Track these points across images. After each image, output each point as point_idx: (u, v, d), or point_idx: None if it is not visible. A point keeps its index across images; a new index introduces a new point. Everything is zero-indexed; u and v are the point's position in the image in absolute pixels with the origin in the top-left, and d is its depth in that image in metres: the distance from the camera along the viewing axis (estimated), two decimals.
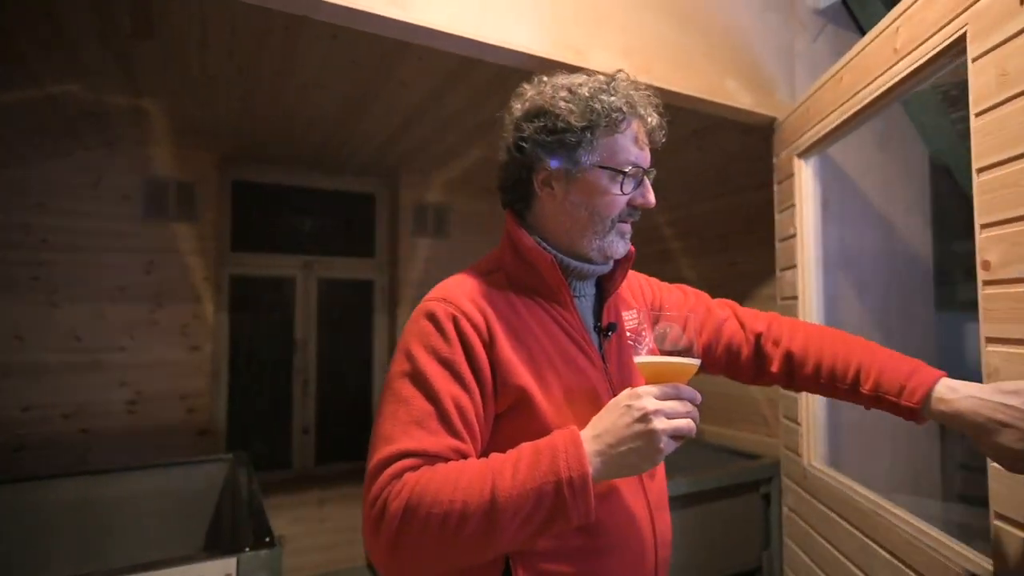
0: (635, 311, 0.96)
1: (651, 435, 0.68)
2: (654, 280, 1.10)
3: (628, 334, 0.91)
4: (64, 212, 2.87)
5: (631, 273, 1.01)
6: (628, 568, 0.83)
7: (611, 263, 0.91)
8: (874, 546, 1.38)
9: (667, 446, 0.69)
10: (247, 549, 1.52)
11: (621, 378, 0.89)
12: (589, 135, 0.83)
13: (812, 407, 1.73)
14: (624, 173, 0.84)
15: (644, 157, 0.87)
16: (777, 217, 1.86)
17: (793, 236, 1.74)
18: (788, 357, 1.01)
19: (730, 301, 1.12)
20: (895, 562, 1.30)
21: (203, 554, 1.49)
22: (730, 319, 1.07)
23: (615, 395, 0.75)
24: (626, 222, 0.88)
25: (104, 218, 2.93)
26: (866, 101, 1.38)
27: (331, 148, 3.21)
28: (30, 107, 2.38)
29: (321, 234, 3.75)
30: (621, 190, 0.85)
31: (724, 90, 1.69)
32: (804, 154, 1.70)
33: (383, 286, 3.86)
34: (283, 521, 3.25)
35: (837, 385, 0.95)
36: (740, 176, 2.78)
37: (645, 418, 0.68)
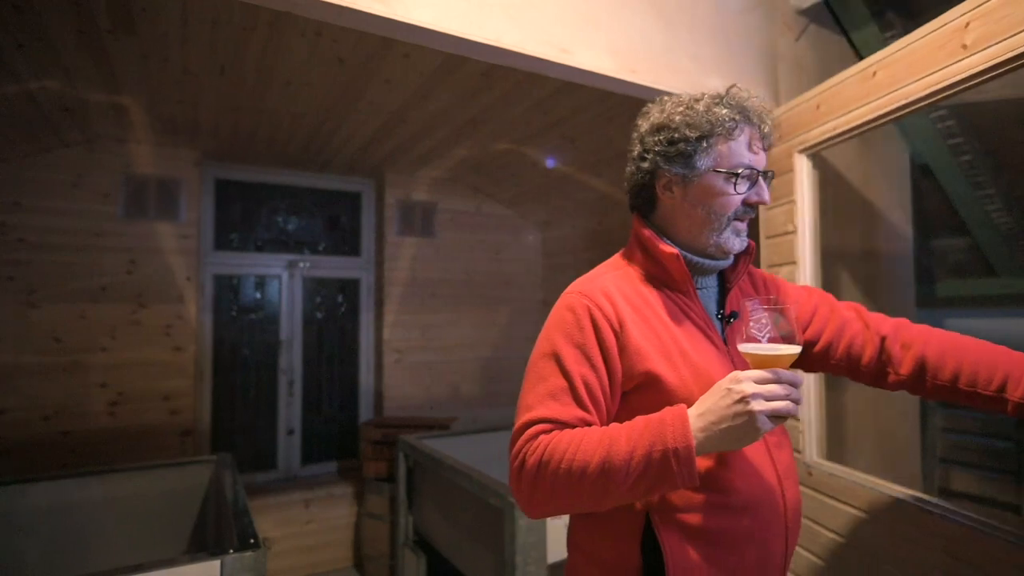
0: (756, 300, 0.99)
1: (749, 416, 0.77)
2: (780, 278, 1.16)
3: (750, 323, 0.94)
4: (42, 210, 2.82)
5: (757, 271, 1.12)
6: (761, 526, 0.91)
7: (731, 258, 1.00)
8: (903, 534, 1.41)
9: (764, 425, 0.77)
10: (231, 551, 1.50)
11: (742, 360, 0.96)
12: (704, 143, 0.93)
13: (811, 405, 1.75)
14: (737, 175, 0.93)
15: (758, 160, 0.96)
16: (766, 214, 1.87)
17: (792, 232, 1.75)
18: (921, 362, 1.03)
19: (857, 304, 1.14)
20: (943, 556, 1.32)
21: (185, 557, 1.46)
22: (854, 320, 1.10)
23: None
24: (742, 220, 0.97)
25: (83, 217, 2.88)
26: (914, 97, 1.35)
27: (316, 146, 3.18)
28: (6, 103, 2.33)
29: (306, 233, 3.72)
30: (735, 190, 0.94)
31: (707, 89, 1.70)
32: (809, 150, 1.71)
33: (369, 285, 3.84)
34: (268, 523, 3.22)
35: (979, 391, 0.97)
36: None
37: (743, 400, 0.77)
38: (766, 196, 0.96)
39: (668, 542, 0.88)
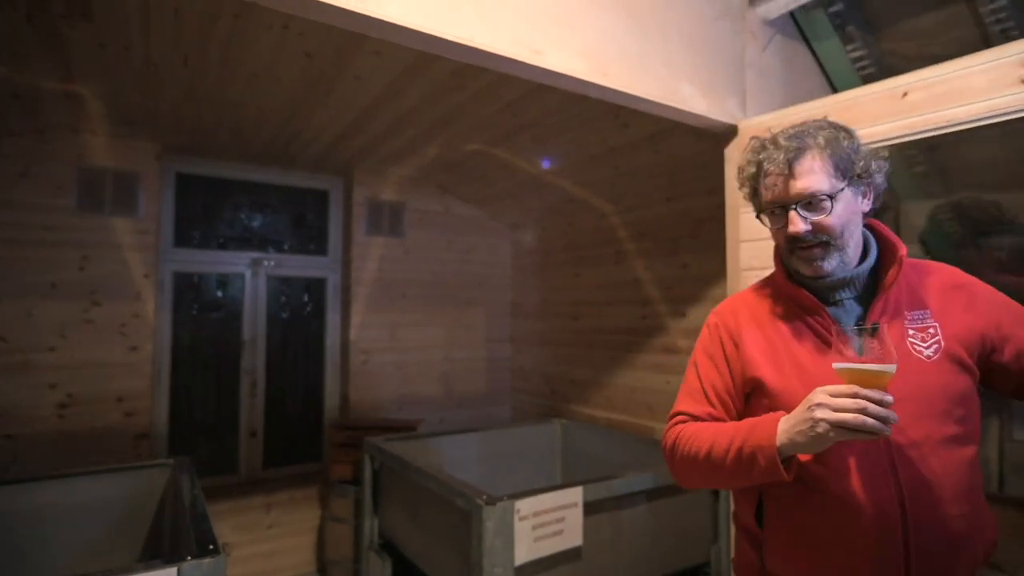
0: (926, 312, 1.02)
1: (812, 422, 0.87)
2: (984, 288, 1.05)
3: (910, 331, 1.00)
4: None
5: (945, 278, 1.07)
6: (858, 531, 0.95)
7: (840, 275, 1.02)
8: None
9: (825, 431, 0.85)
10: (189, 558, 1.45)
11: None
12: (749, 188, 1.09)
13: None
14: (762, 212, 1.08)
15: (778, 193, 1.02)
16: (743, 218, 1.90)
17: (768, 238, 1.79)
18: None
19: None
20: None
21: (139, 565, 1.41)
22: None
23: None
24: (797, 249, 1.03)
25: (33, 209, 2.75)
26: (958, 122, 1.42)
27: (282, 142, 3.11)
28: None
29: (271, 231, 3.64)
30: (771, 225, 1.07)
31: (680, 95, 1.72)
32: None
33: (336, 284, 3.77)
34: (227, 528, 3.13)
35: None
36: (690, 181, 2.85)
37: (811, 408, 0.88)
38: (791, 228, 0.99)
39: (767, 519, 1.06)
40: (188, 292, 3.37)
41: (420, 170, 3.66)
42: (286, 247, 3.67)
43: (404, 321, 3.80)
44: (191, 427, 3.34)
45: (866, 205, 1.02)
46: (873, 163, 1.01)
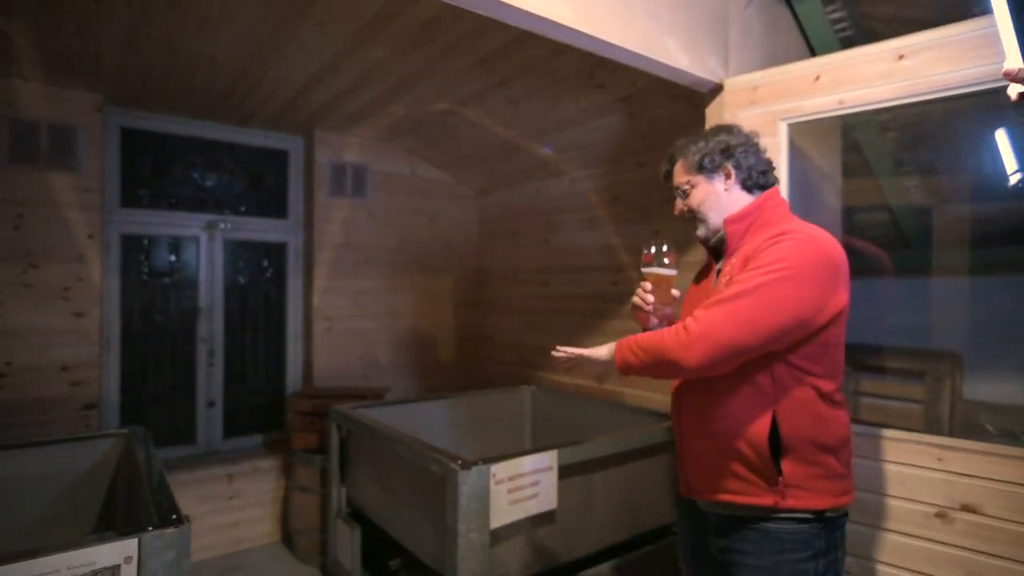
0: (735, 261, 1.31)
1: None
2: (761, 253, 1.24)
3: (725, 273, 1.31)
4: None
5: (762, 243, 1.27)
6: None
7: (713, 238, 1.39)
8: None
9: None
10: (150, 528, 1.37)
11: (707, 299, 1.29)
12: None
13: None
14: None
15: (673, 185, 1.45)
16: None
17: None
18: None
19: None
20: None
21: (94, 538, 1.32)
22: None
23: (699, 307, 1.26)
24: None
25: None
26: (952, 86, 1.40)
27: (237, 96, 2.92)
28: None
29: (228, 192, 3.45)
30: None
31: (664, 49, 1.67)
32: (795, 119, 1.71)
33: (297, 249, 3.63)
34: (188, 499, 3.02)
35: None
36: (665, 145, 2.81)
37: None
38: (675, 208, 1.44)
39: None
40: (137, 256, 3.17)
41: (385, 131, 3.51)
42: (243, 209, 3.49)
43: (369, 287, 3.69)
44: (145, 397, 3.18)
45: (729, 185, 1.34)
46: (719, 155, 1.33)
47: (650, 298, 1.37)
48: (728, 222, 1.32)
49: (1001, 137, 2.20)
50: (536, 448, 2.12)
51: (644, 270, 1.39)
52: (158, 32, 2.24)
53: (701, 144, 1.37)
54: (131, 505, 1.91)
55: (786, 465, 1.18)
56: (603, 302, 3.22)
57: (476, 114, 3.04)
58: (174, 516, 1.43)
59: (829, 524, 1.21)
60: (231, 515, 3.15)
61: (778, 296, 1.14)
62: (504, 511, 1.92)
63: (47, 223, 2.71)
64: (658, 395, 2.89)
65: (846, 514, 1.26)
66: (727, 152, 1.33)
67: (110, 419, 3.01)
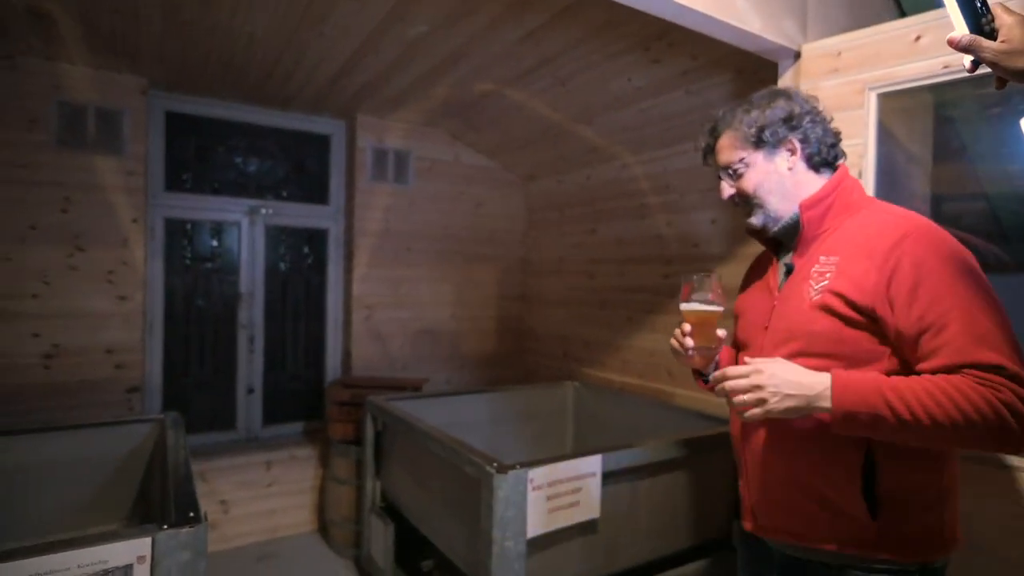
0: (835, 259, 1.05)
1: None
2: (911, 264, 0.96)
3: (814, 274, 1.06)
4: None
5: (897, 242, 1.00)
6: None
7: (775, 227, 1.16)
8: None
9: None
10: (165, 526, 1.29)
11: (783, 307, 1.11)
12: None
13: None
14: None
15: (715, 164, 1.20)
16: None
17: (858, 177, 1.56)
18: None
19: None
20: None
21: (107, 534, 1.25)
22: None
23: (771, 319, 1.12)
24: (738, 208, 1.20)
25: (5, 146, 2.53)
26: None
27: (278, 76, 2.86)
28: None
29: (270, 177, 3.41)
30: None
31: (733, 8, 1.47)
32: (887, 88, 1.50)
33: (338, 235, 3.57)
34: (228, 485, 3.02)
35: None
36: None
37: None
38: (721, 193, 1.19)
39: None
40: (180, 240, 3.17)
41: (428, 115, 3.40)
42: (285, 195, 3.45)
43: (410, 276, 3.60)
44: (187, 382, 3.19)
45: (794, 163, 1.11)
46: (782, 127, 1.10)
47: (689, 342, 1.14)
48: (805, 207, 1.09)
49: None
50: (579, 451, 1.97)
51: (683, 307, 1.14)
52: (194, 9, 2.17)
53: (756, 113, 1.12)
54: (162, 495, 1.87)
55: (883, 511, 0.98)
56: (653, 295, 3.02)
57: (522, 95, 2.88)
58: (191, 514, 1.35)
59: (929, 574, 1.01)
60: (269, 502, 3.13)
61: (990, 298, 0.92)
62: (542, 519, 1.78)
63: (93, 207, 2.72)
64: (713, 396, 2.68)
65: (948, 560, 1.04)
66: (791, 122, 1.10)
67: (152, 403, 3.03)
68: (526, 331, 3.99)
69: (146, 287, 2.93)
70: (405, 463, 2.47)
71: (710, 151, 1.19)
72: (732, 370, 0.98)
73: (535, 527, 1.76)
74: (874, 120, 1.53)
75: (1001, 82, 0.77)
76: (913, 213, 1.03)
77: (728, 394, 0.98)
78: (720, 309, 1.13)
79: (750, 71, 2.20)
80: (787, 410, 0.93)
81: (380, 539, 2.53)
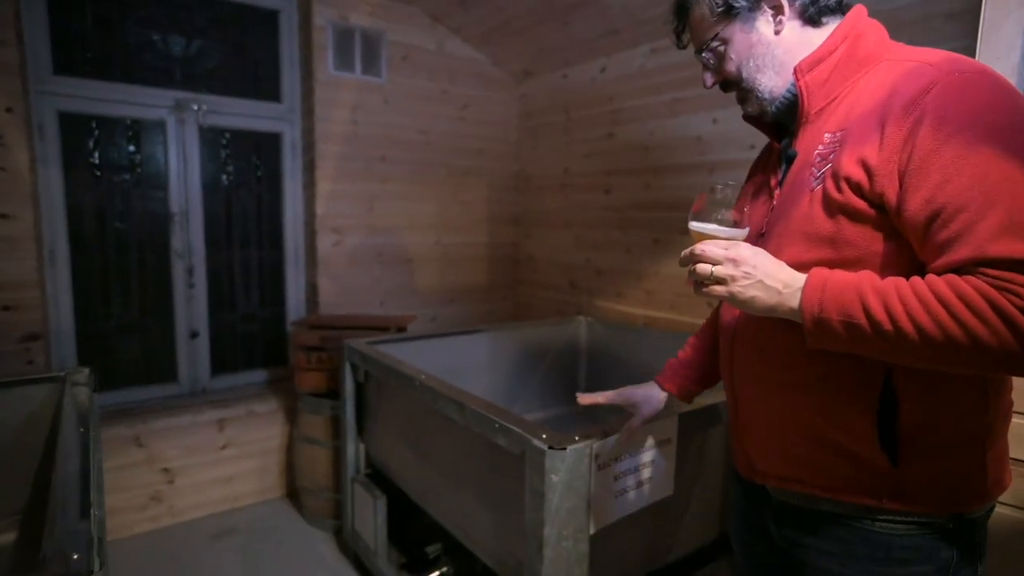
0: (843, 134, 0.78)
1: None
2: (933, 125, 0.69)
3: (817, 158, 0.81)
4: None
5: (916, 97, 0.71)
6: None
7: (771, 111, 0.90)
8: None
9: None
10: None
11: (781, 207, 0.86)
12: None
13: None
14: None
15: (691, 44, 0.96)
16: None
17: None
18: None
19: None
20: None
21: None
22: None
23: (768, 224, 0.88)
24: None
25: None
26: None
27: None
28: None
29: (201, 63, 2.65)
30: None
31: None
32: None
33: (294, 141, 2.87)
34: (172, 450, 2.45)
35: None
36: None
37: None
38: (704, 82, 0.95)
39: None
40: (84, 143, 2.43)
41: None
42: (222, 87, 2.70)
43: (385, 192, 2.96)
44: (108, 326, 2.54)
45: (781, 22, 0.86)
46: None
47: (707, 268, 0.76)
48: (800, 71, 0.84)
49: None
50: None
51: (693, 226, 0.82)
52: None
53: None
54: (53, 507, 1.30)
55: (906, 455, 0.76)
56: (686, 212, 2.49)
57: None
58: (75, 556, 0.79)
59: (966, 526, 0.79)
60: (224, 468, 2.59)
61: None
62: (609, 506, 1.29)
63: None
64: None
65: (993, 507, 0.83)
66: None
67: (64, 353, 2.39)
68: (523, 259, 3.44)
69: (37, 203, 2.22)
70: (399, 423, 1.95)
71: (680, 36, 0.96)
72: (710, 243, 0.76)
73: (602, 518, 1.28)
74: None
75: None
76: (954, 56, 0.73)
77: (693, 264, 0.77)
78: (744, 233, 0.80)
79: None
80: (751, 300, 0.74)
81: (368, 513, 2.04)
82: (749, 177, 1.03)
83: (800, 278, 0.74)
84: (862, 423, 0.77)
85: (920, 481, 0.77)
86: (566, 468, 1.20)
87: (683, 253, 0.78)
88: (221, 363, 2.79)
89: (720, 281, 0.74)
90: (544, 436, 1.24)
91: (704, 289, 0.76)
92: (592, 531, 1.26)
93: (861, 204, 0.73)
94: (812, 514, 0.84)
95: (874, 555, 0.79)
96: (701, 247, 0.76)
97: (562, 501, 1.21)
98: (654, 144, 2.62)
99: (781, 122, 0.92)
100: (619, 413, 1.21)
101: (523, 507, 1.28)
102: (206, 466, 2.55)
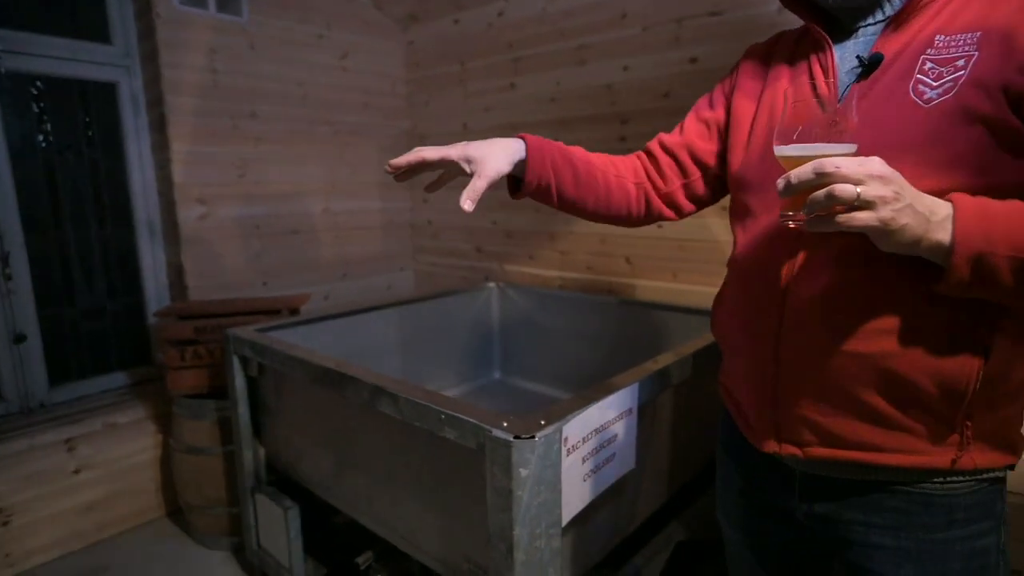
0: (973, 35, 0.65)
1: None
2: None
3: (927, 65, 0.67)
4: None
5: None
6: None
7: None
8: None
9: None
10: None
11: (865, 120, 0.68)
12: None
13: None
14: None
15: None
16: None
17: None
18: None
19: None
20: None
21: None
22: None
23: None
24: None
25: None
26: None
27: None
28: None
29: None
30: None
31: None
32: None
33: (135, 92, 2.34)
34: (3, 485, 1.95)
35: None
36: None
37: None
38: None
39: None
40: None
41: None
42: (27, 22, 2.11)
43: (259, 155, 2.54)
44: None
45: None
46: None
47: (852, 190, 0.56)
48: None
49: None
50: (511, 370, 1.34)
51: (780, 151, 0.64)
52: None
53: None
54: None
55: (977, 409, 0.69)
56: None
57: None
58: None
59: (1002, 481, 0.75)
60: (80, 495, 2.13)
61: None
62: (578, 491, 1.15)
63: None
64: (687, 286, 2.20)
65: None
66: None
67: None
68: (422, 225, 3.17)
69: None
70: (308, 421, 1.67)
71: None
72: (840, 158, 0.56)
73: (572, 506, 1.14)
74: None
75: None
76: None
77: (823, 187, 0.56)
78: (854, 148, 0.61)
79: None
80: (902, 229, 0.57)
81: (277, 526, 1.76)
82: (738, 82, 0.90)
83: (944, 205, 0.59)
84: (964, 374, 0.66)
85: (988, 432, 0.71)
86: (536, 459, 1.04)
87: (794, 175, 0.58)
88: (62, 371, 2.27)
89: (866, 205, 0.55)
90: (506, 424, 1.06)
91: (840, 219, 0.56)
92: (565, 523, 1.12)
93: (1016, 122, 0.61)
94: (859, 485, 0.75)
95: (933, 521, 0.72)
96: (835, 163, 0.55)
97: (533, 497, 1.05)
98: (560, 95, 2.47)
99: (839, 9, 0.76)
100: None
101: (480, 506, 1.10)
102: (54, 496, 2.07)
